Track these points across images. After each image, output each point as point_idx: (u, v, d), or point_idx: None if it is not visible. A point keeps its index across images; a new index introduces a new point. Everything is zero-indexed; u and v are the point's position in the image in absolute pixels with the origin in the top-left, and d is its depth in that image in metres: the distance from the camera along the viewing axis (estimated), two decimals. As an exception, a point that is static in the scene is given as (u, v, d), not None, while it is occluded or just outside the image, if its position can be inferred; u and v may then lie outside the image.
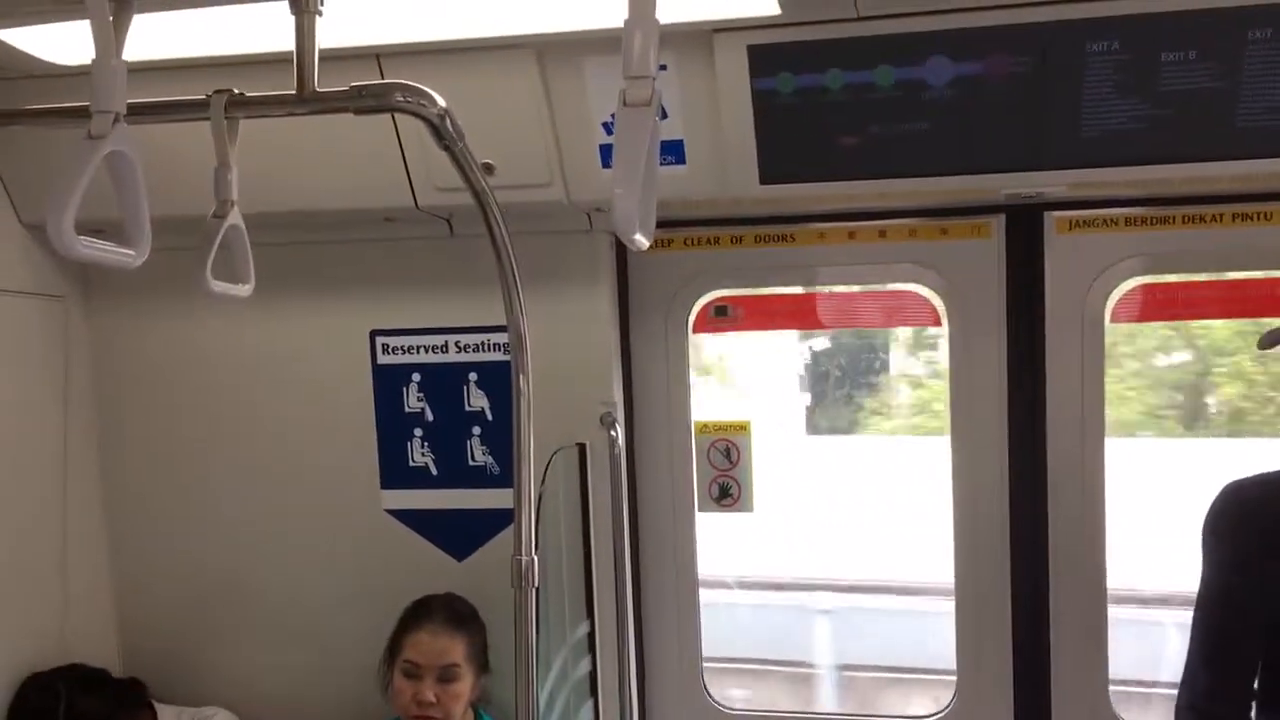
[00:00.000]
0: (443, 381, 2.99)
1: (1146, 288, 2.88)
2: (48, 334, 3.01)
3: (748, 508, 3.14)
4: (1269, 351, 2.31)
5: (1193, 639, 2.22)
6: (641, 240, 1.25)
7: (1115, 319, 2.88)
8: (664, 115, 2.43)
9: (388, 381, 3.02)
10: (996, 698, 2.95)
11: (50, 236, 1.35)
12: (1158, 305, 2.96)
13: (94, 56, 1.45)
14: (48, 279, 2.98)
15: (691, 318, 3.07)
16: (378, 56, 2.42)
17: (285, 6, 1.60)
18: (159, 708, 2.98)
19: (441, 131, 1.60)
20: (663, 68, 2.21)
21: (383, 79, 2.40)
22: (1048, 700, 2.92)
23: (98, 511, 3.16)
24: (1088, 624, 2.89)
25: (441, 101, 1.59)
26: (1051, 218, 2.83)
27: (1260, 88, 2.27)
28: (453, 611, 2.82)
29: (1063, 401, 2.85)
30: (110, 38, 1.47)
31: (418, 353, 2.99)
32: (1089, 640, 2.90)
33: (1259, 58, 2.24)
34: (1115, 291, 2.84)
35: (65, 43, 2.32)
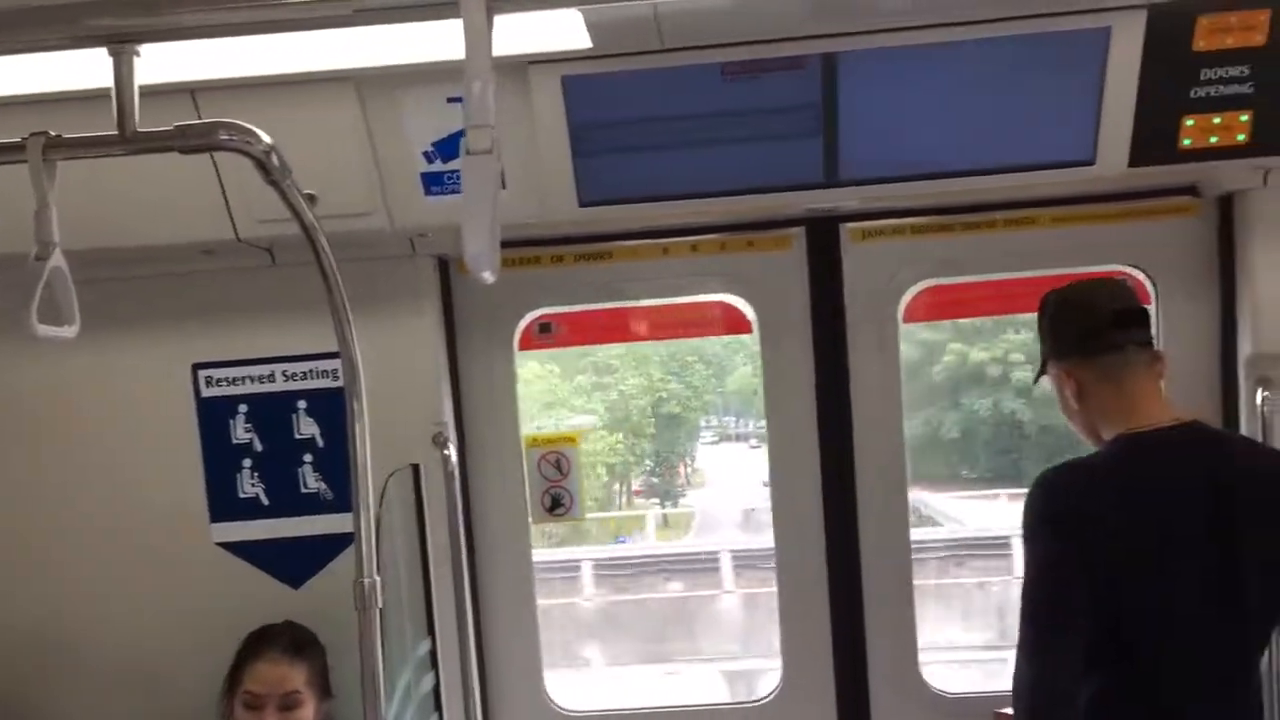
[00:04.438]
0: (270, 411, 2.98)
1: (933, 289, 3.15)
2: None
3: (579, 516, 3.26)
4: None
5: (1024, 633, 2.17)
6: (490, 277, 1.33)
7: (907, 319, 3.13)
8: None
9: (213, 414, 2.99)
10: (819, 676, 3.15)
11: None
12: (942, 305, 3.25)
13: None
14: None
15: (516, 336, 3.16)
16: (193, 92, 2.40)
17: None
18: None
19: (268, 168, 1.60)
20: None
21: (199, 114, 2.39)
22: (864, 669, 3.14)
23: None
24: (897, 600, 3.12)
25: (267, 138, 1.59)
26: (846, 229, 3.06)
27: (1021, 110, 2.55)
28: (291, 639, 2.81)
29: (865, 396, 3.09)
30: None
31: (243, 383, 2.97)
32: (899, 611, 3.13)
33: (1022, 82, 2.51)
34: (906, 294, 3.09)
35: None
